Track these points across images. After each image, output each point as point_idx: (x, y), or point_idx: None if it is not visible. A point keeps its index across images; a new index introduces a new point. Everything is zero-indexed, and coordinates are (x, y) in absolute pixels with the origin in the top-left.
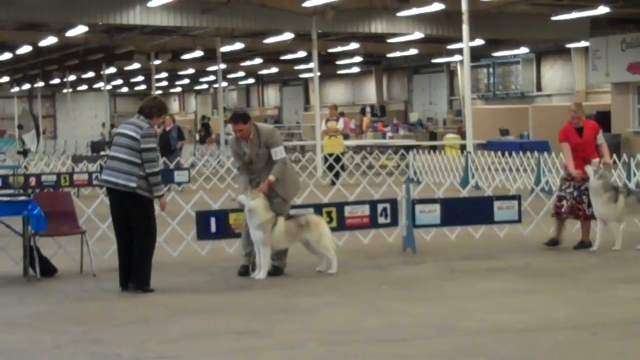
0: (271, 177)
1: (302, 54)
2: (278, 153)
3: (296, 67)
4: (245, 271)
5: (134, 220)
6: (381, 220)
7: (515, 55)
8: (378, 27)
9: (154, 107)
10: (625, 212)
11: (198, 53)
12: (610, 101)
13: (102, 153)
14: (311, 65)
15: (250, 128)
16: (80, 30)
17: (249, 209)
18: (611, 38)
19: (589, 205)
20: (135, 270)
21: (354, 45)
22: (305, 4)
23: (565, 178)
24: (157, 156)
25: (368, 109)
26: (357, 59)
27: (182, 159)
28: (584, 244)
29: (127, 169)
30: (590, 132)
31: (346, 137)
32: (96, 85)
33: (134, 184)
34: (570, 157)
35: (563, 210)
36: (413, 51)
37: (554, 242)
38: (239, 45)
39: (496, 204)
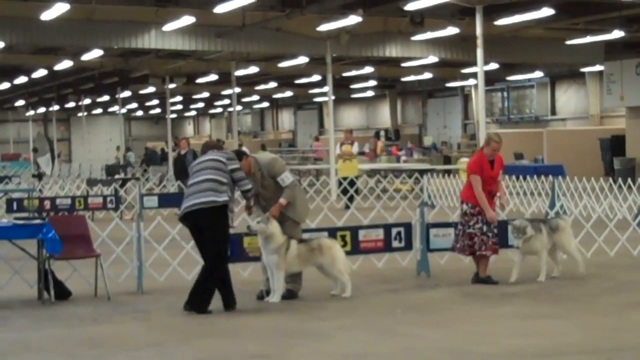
0: (282, 201)
1: (316, 77)
2: (285, 180)
3: (311, 91)
4: (263, 295)
5: (211, 238)
6: (395, 244)
7: (529, 79)
8: (392, 51)
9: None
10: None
11: (213, 77)
12: (625, 125)
13: (116, 176)
14: (325, 89)
15: (249, 164)
16: (95, 54)
17: (265, 235)
18: (626, 62)
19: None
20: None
21: (368, 69)
22: (319, 28)
23: (472, 213)
24: (244, 174)
25: (382, 133)
26: (372, 82)
27: None
28: (481, 279)
29: (215, 187)
30: (498, 166)
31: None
32: (111, 109)
33: (225, 198)
34: (481, 193)
35: (476, 247)
36: (427, 75)
37: (485, 280)
38: (253, 69)
39: (510, 227)
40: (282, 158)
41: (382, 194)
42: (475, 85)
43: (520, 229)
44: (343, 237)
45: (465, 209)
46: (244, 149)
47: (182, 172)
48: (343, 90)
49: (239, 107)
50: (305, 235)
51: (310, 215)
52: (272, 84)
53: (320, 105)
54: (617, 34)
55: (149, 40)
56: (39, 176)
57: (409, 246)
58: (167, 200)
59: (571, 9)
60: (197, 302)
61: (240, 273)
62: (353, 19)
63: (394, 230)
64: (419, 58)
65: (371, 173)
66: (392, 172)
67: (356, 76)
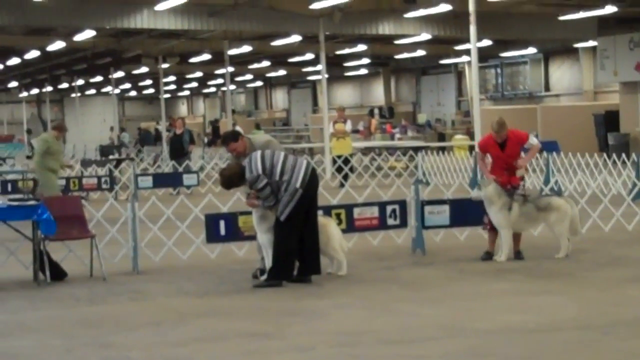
0: None
1: (309, 56)
2: None
3: (304, 70)
4: (260, 274)
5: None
6: (390, 221)
7: (523, 56)
8: (385, 28)
9: None
10: (522, 221)
11: (206, 56)
12: (619, 100)
13: (111, 157)
14: (319, 67)
15: (243, 144)
16: (88, 34)
17: (260, 213)
18: (619, 37)
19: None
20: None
21: (361, 47)
22: (312, 6)
23: None
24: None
25: (376, 111)
26: (365, 60)
27: (191, 162)
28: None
29: None
30: (515, 146)
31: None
32: (104, 90)
33: None
34: (482, 166)
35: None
36: (421, 52)
37: (488, 255)
38: (246, 48)
39: None
40: (276, 137)
41: (377, 172)
42: (469, 62)
43: (476, 202)
44: (338, 215)
45: None
46: (238, 128)
47: (177, 151)
48: (336, 69)
49: (232, 87)
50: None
51: None
52: (266, 63)
53: (314, 84)
54: (610, 9)
55: (142, 20)
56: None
57: (404, 224)
58: (162, 180)
59: None
60: (316, 265)
61: (235, 252)
62: None
63: (389, 208)
64: (412, 35)
65: (365, 151)
66: (386, 149)
67: (350, 54)
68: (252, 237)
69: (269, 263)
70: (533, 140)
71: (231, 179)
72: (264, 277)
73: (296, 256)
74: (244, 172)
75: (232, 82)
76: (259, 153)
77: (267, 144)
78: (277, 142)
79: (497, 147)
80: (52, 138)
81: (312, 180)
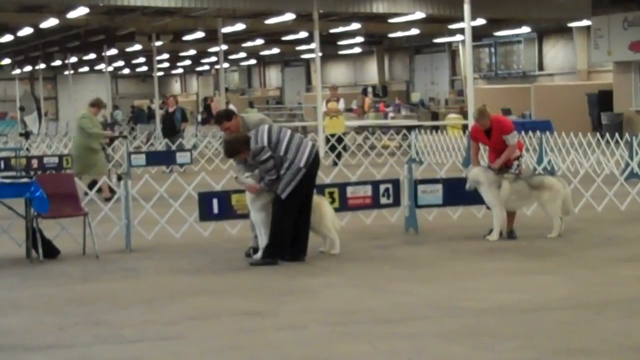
0: None
1: (303, 34)
2: None
3: (298, 48)
4: (253, 252)
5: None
6: (383, 200)
7: (517, 35)
8: (379, 7)
9: None
10: (513, 199)
11: (199, 34)
12: (613, 80)
13: None
14: (313, 45)
15: (237, 124)
16: (81, 11)
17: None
18: (613, 17)
19: None
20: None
21: (355, 26)
22: None
23: None
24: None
25: (370, 90)
26: (359, 39)
27: (184, 140)
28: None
29: None
30: (498, 133)
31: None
32: (97, 67)
33: None
34: (473, 155)
35: None
36: (415, 31)
37: (511, 234)
38: (240, 26)
39: None
40: (269, 115)
41: (370, 151)
42: (463, 41)
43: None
44: (331, 194)
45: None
46: (232, 106)
47: (170, 129)
48: (330, 47)
49: (226, 65)
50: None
51: None
52: (259, 41)
53: (307, 62)
54: None
55: None
56: (26, 135)
57: (397, 202)
58: (155, 158)
59: None
60: (304, 246)
61: (228, 230)
62: None
63: (382, 187)
64: (406, 14)
65: (359, 130)
66: (379, 128)
67: (343, 33)
68: (246, 216)
69: (262, 241)
70: (513, 139)
71: (234, 144)
72: (259, 254)
73: (291, 235)
74: (248, 141)
75: (226, 60)
76: (266, 126)
77: (260, 122)
78: (270, 121)
79: (484, 135)
80: (92, 115)
81: (315, 161)
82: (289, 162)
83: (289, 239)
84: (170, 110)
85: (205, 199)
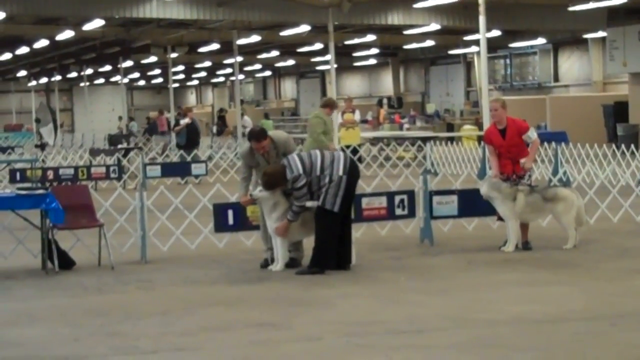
0: None
1: (318, 46)
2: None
3: (313, 60)
4: (267, 264)
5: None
6: (398, 211)
7: (532, 46)
8: (395, 18)
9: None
10: (527, 211)
11: (215, 46)
12: (628, 91)
13: (119, 146)
14: (328, 57)
15: (269, 142)
16: (97, 24)
17: (273, 202)
18: (628, 28)
19: None
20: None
21: (370, 37)
22: None
23: (501, 180)
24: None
25: (385, 101)
26: (374, 50)
27: (199, 151)
28: (527, 245)
29: None
30: (514, 134)
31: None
32: (113, 79)
33: None
34: (494, 160)
35: None
36: (430, 42)
37: (526, 245)
38: (255, 38)
39: None
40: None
41: (385, 162)
42: (478, 53)
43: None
44: None
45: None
46: (246, 117)
47: (194, 140)
48: (345, 59)
49: (241, 76)
50: (309, 203)
51: None
52: (275, 53)
53: (322, 74)
54: None
55: (150, 10)
56: (42, 146)
57: (412, 214)
58: (170, 170)
59: None
60: (349, 255)
61: (243, 242)
62: None
63: (397, 198)
64: (421, 25)
65: (374, 141)
66: (395, 139)
67: (358, 44)
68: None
69: (279, 253)
70: (533, 134)
71: (274, 177)
72: (273, 266)
73: (337, 244)
74: (285, 174)
75: (241, 71)
76: (295, 155)
77: (288, 140)
78: (293, 141)
79: (499, 135)
80: (325, 116)
81: (352, 168)
82: (329, 176)
83: (335, 248)
84: (189, 121)
85: (220, 210)
